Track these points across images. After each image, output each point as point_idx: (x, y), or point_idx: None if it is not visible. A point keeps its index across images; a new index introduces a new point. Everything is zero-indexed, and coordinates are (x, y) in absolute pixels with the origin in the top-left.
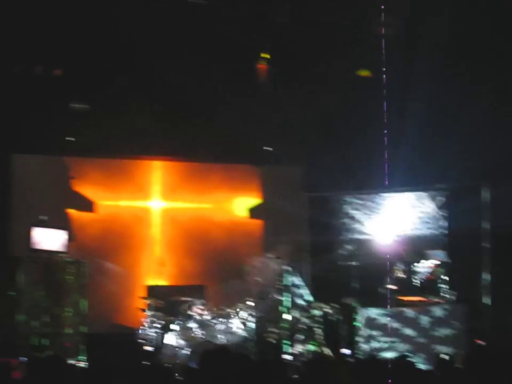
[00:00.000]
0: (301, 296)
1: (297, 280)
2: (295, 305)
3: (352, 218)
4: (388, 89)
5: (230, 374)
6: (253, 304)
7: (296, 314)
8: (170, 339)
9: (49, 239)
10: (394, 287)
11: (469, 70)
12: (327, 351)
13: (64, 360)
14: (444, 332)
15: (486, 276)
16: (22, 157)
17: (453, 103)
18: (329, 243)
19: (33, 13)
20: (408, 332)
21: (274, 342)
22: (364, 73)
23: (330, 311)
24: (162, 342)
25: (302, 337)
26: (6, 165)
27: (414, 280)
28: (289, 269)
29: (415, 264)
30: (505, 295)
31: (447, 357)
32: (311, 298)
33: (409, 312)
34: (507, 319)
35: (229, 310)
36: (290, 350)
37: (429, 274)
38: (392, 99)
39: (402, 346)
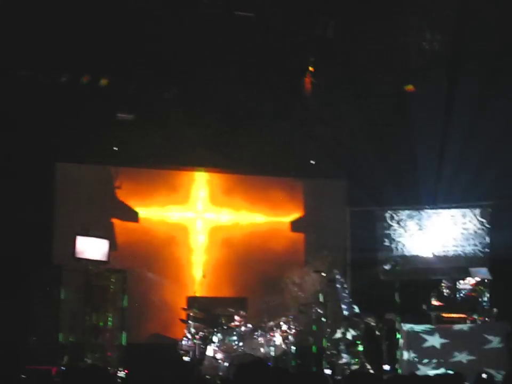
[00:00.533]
0: (348, 308)
1: (343, 291)
2: (339, 317)
3: (396, 233)
4: (434, 105)
5: None
6: (294, 317)
7: (340, 328)
8: (211, 351)
9: (92, 248)
10: (436, 304)
11: None
12: (367, 366)
13: (104, 370)
14: (485, 349)
15: None
16: (66, 165)
17: (499, 120)
18: (372, 258)
19: (80, 24)
20: (449, 348)
21: (315, 355)
22: (410, 88)
23: (374, 324)
24: (203, 354)
25: (344, 351)
26: (51, 174)
27: (456, 297)
28: (338, 276)
29: (458, 281)
30: None
31: (486, 375)
32: (357, 310)
33: (450, 329)
34: None
35: (270, 323)
36: (331, 364)
37: (471, 291)
38: (438, 115)
39: (443, 363)
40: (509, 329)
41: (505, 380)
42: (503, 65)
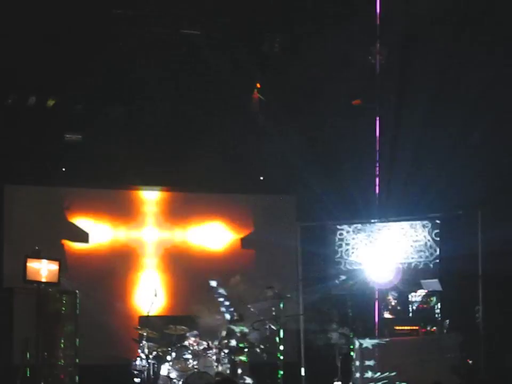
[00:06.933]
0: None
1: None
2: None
3: (347, 247)
4: (382, 118)
5: None
6: (247, 334)
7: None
8: (165, 370)
9: (42, 270)
10: (388, 317)
11: (463, 102)
12: None
13: None
14: (437, 361)
15: (479, 305)
16: (14, 187)
17: (448, 133)
18: (323, 273)
19: (25, 45)
20: (401, 361)
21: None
22: (358, 102)
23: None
24: (157, 373)
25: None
26: None
27: (407, 309)
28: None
29: (409, 293)
30: (497, 323)
31: None
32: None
33: (402, 341)
34: (499, 347)
35: (223, 340)
36: None
37: (422, 303)
38: (386, 128)
39: (396, 377)
40: (461, 339)
41: None
42: (451, 80)
